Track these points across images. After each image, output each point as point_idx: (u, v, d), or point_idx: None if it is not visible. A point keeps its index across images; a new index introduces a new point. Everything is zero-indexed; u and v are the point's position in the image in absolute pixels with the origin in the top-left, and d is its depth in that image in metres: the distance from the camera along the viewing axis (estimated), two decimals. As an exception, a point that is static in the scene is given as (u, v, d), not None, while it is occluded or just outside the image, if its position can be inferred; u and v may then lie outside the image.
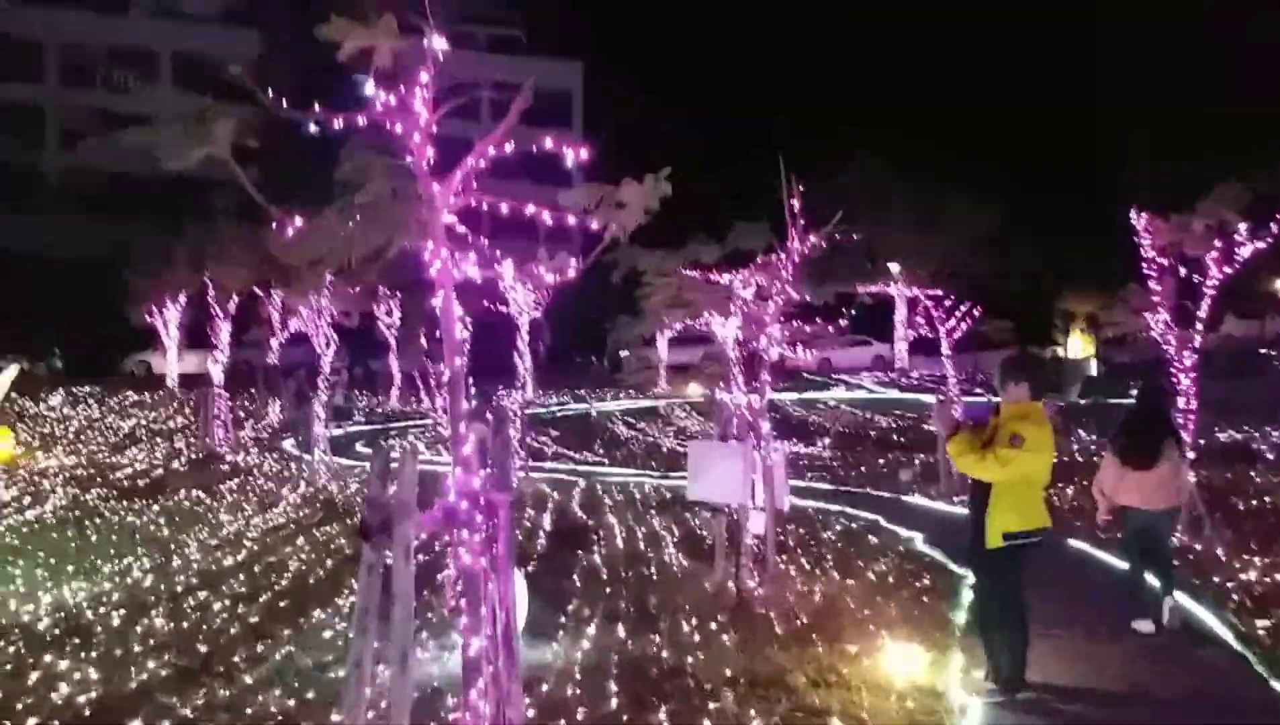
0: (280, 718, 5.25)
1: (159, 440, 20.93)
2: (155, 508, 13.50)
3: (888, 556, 9.58)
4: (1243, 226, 10.15)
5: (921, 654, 6.03)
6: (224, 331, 19.69)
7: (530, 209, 4.12)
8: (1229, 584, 8.37)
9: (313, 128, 3.86)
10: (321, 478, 16.21)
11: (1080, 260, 35.18)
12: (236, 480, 16.28)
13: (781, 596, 7.76)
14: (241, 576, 9.16)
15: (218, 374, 19.67)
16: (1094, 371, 31.24)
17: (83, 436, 21.08)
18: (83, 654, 6.58)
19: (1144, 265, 10.63)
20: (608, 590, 8.28)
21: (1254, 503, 12.49)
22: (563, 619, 7.30)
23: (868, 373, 36.66)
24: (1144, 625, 6.88)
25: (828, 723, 4.95)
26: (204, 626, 7.35)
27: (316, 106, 3.84)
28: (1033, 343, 39.62)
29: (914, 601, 7.71)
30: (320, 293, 15.85)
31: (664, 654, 6.30)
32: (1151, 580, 7.09)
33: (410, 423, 24.31)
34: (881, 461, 17.96)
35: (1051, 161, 39.96)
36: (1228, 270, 10.36)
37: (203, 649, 6.72)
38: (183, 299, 24.49)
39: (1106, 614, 7.30)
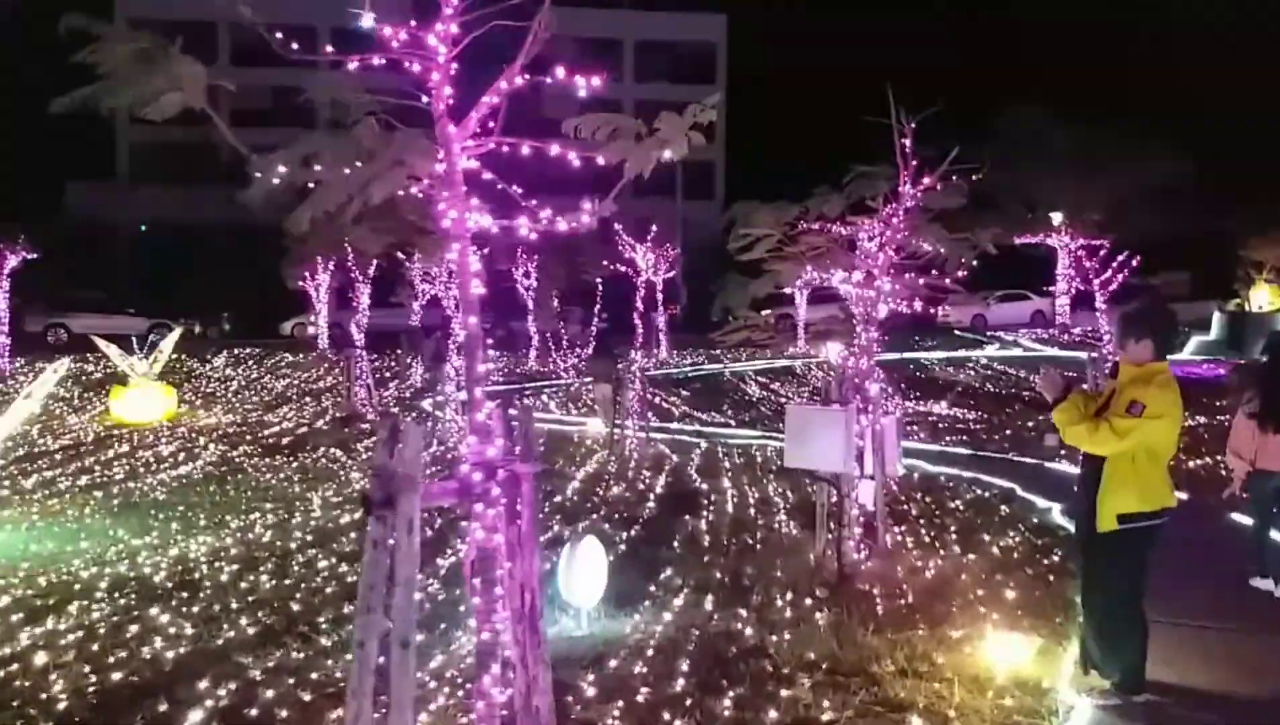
0: (342, 684, 5.17)
1: (308, 400, 21.89)
2: (294, 465, 14.03)
3: (1017, 529, 8.83)
4: None
5: (1031, 643, 5.41)
6: (364, 294, 20.28)
7: (554, 149, 3.74)
8: None
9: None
10: (451, 437, 16.49)
11: (1270, 202, 31.83)
12: (373, 439, 16.76)
13: (889, 572, 7.21)
14: (353, 535, 9.31)
15: (359, 336, 20.30)
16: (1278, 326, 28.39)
17: (240, 396, 22.29)
18: (185, 609, 6.76)
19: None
20: (706, 558, 7.95)
21: None
22: (653, 588, 7.01)
23: (1025, 329, 34.64)
24: (1264, 583, 6.83)
25: (906, 720, 4.46)
26: (303, 585, 7.46)
27: (329, 48, 3.59)
28: (1214, 296, 36.44)
29: (1038, 581, 7.02)
30: (447, 256, 15.98)
31: (748, 631, 5.92)
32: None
33: (545, 383, 24.55)
34: (1030, 424, 16.81)
35: (1236, 94, 36.27)
36: None
37: (295, 608, 6.80)
38: (332, 264, 25.42)
39: (1259, 602, 6.43)
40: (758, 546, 8.36)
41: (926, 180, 7.01)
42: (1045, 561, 7.57)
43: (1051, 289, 34.11)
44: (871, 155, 8.58)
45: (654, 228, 13.94)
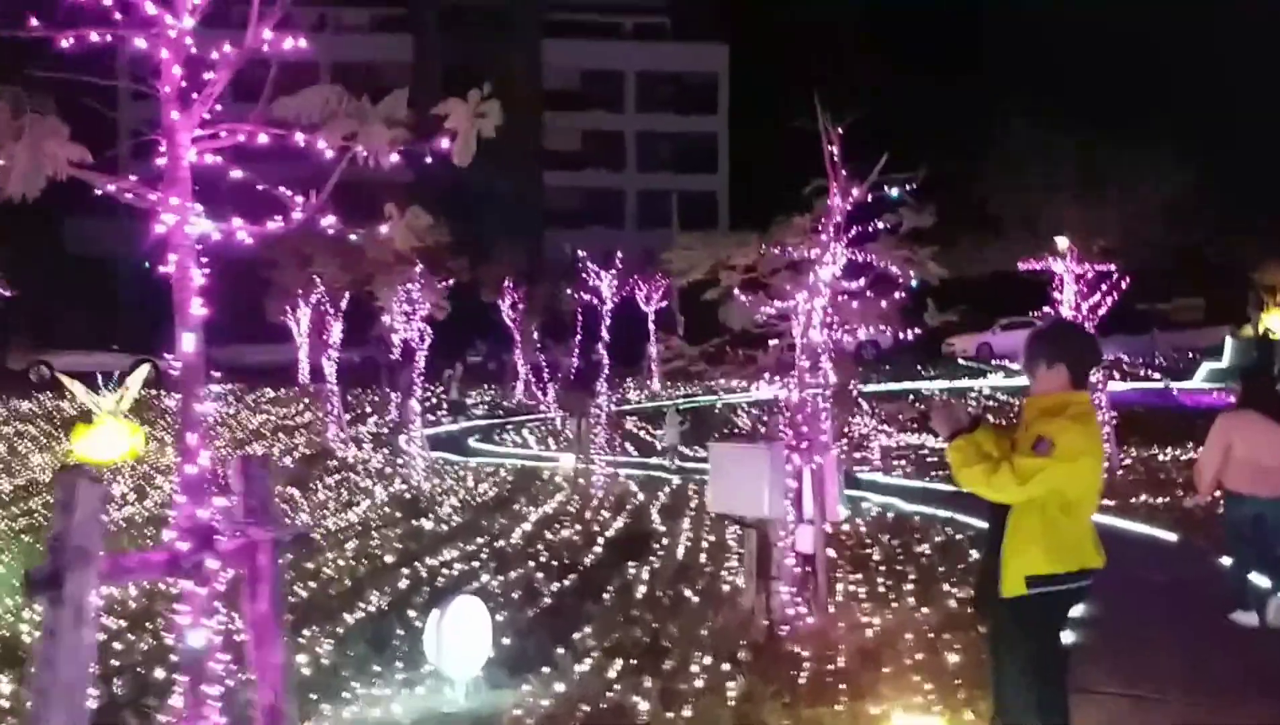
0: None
1: (281, 436, 21.28)
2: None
3: (983, 577, 8.01)
4: None
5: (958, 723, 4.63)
6: (335, 328, 19.71)
7: (301, 139, 3.04)
8: None
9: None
10: (416, 475, 15.81)
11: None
12: (336, 477, 16.13)
13: (828, 630, 6.44)
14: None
15: (331, 371, 19.72)
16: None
17: (211, 433, 21.69)
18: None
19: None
20: (634, 613, 7.18)
21: None
22: (561, 650, 6.25)
23: (1031, 358, 33.72)
24: (1247, 618, 6.56)
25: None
26: (142, 647, 6.77)
27: (33, 20, 2.95)
28: (1227, 321, 35.32)
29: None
30: (405, 286, 15.44)
31: (645, 704, 5.16)
32: (1259, 579, 6.74)
33: (530, 417, 23.84)
34: (1024, 457, 15.97)
35: (1254, 109, 35.28)
36: None
37: (159, 674, 6.06)
38: (314, 297, 24.90)
39: (1231, 664, 5.61)
40: (695, 599, 7.58)
41: (856, 191, 6.33)
42: (1005, 616, 6.75)
43: (1040, 316, 33.21)
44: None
45: (619, 257, 13.31)
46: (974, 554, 8.94)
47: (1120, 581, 7.94)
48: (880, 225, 7.33)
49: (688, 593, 7.75)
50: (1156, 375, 27.46)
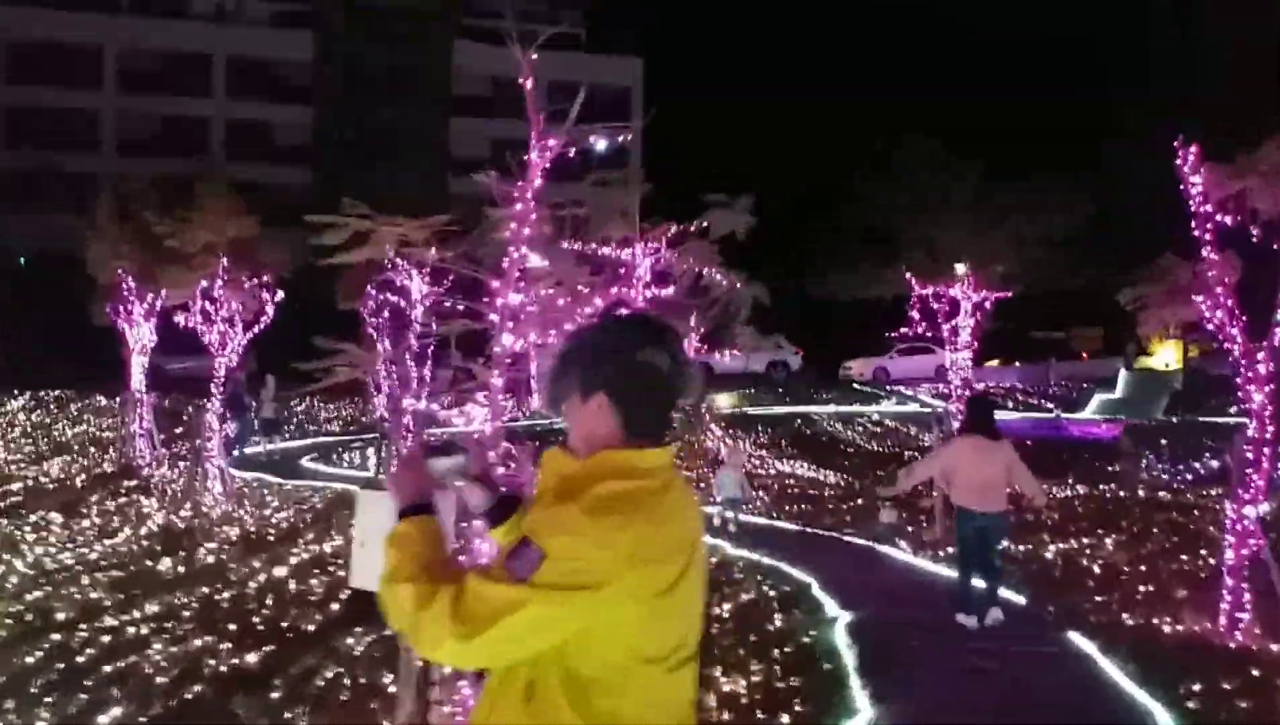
0: None
1: (92, 450, 18.95)
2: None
3: (774, 655, 6.38)
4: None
5: None
6: (145, 330, 17.48)
7: None
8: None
9: None
10: (210, 500, 13.77)
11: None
12: (120, 501, 14.00)
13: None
14: None
15: (139, 379, 17.47)
16: (1178, 384, 26.87)
17: (15, 444, 19.25)
18: None
19: (1196, 228, 7.20)
20: (284, 716, 5.36)
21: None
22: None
23: (928, 383, 32.80)
24: (968, 620, 7.11)
25: None
26: None
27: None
28: (1118, 353, 34.97)
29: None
30: (202, 283, 13.45)
31: None
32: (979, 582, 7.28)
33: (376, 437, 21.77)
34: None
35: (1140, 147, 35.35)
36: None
37: None
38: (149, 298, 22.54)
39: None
40: (389, 691, 5.78)
41: (553, 141, 4.73)
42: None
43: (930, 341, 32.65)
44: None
45: (433, 252, 11.47)
46: (778, 620, 7.34)
47: (944, 656, 6.36)
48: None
49: (386, 681, 5.95)
50: (1050, 404, 26.64)
